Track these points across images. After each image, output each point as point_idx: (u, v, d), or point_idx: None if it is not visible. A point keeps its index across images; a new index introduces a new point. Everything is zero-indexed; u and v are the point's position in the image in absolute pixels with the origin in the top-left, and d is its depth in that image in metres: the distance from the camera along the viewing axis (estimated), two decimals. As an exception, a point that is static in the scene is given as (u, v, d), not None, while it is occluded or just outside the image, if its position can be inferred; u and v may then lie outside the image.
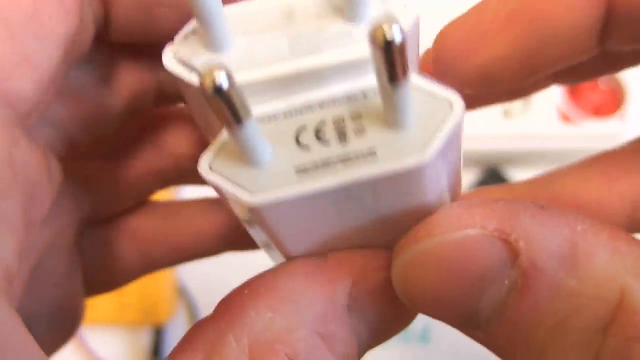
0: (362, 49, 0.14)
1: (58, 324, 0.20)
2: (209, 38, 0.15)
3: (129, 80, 0.19)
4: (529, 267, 0.13)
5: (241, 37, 0.15)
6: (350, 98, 0.14)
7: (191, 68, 0.15)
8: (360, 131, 0.14)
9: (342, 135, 0.14)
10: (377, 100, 0.14)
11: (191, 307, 0.45)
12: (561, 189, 0.21)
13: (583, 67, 0.19)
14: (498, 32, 0.17)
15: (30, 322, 0.17)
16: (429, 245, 0.14)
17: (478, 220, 0.13)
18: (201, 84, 0.12)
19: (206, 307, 0.44)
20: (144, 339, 0.45)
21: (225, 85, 0.12)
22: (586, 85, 0.46)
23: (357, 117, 0.14)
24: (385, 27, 0.11)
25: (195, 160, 0.16)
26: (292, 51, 0.15)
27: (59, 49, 0.15)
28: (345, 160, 0.13)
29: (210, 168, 0.14)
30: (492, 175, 0.47)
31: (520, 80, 0.17)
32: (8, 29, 0.14)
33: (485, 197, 0.14)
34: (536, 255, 0.13)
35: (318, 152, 0.14)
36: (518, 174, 0.47)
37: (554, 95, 0.45)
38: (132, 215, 0.22)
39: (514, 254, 0.13)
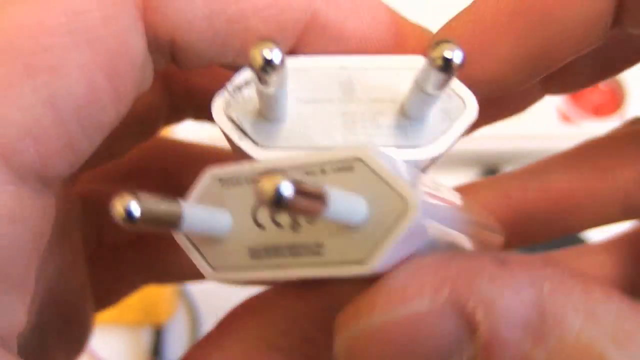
0: (409, 153, 0.14)
1: (69, 335, 0.20)
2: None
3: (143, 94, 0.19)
4: (490, 340, 0.11)
5: (296, 103, 0.15)
6: (309, 174, 0.13)
7: (241, 130, 0.14)
8: (312, 219, 0.13)
9: (294, 221, 0.13)
10: (335, 181, 0.13)
11: (191, 307, 0.45)
12: (552, 181, 0.20)
13: (576, 75, 0.19)
14: (503, 30, 0.15)
15: (43, 334, 0.17)
16: (372, 324, 0.12)
17: (427, 289, 0.11)
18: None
19: (206, 308, 0.44)
20: (144, 339, 0.45)
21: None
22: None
23: None
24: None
25: None
26: (344, 136, 0.14)
27: (104, 133, 0.14)
28: (294, 252, 0.13)
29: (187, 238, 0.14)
30: (492, 176, 0.47)
31: (529, 80, 0.16)
32: (58, 115, 0.13)
33: (438, 256, 0.12)
34: (498, 325, 0.11)
35: (271, 235, 0.13)
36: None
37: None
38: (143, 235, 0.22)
39: (471, 326, 0.11)
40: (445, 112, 0.15)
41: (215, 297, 0.17)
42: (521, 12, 0.15)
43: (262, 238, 0.13)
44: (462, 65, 0.12)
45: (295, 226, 0.13)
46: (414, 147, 0.14)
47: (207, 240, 0.13)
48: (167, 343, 0.44)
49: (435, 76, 0.13)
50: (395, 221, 0.11)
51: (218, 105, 0.14)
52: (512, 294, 0.11)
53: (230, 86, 0.14)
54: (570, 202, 0.20)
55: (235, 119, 0.14)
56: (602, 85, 0.46)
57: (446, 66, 0.12)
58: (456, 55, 0.12)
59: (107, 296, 0.22)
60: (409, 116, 0.14)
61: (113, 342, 0.45)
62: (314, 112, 0.15)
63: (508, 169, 0.47)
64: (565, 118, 0.45)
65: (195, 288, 0.45)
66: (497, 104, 0.21)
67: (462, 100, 0.15)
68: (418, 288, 0.11)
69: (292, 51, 0.15)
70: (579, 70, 0.19)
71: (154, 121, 0.20)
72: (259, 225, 0.13)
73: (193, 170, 0.21)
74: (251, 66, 0.12)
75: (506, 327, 0.11)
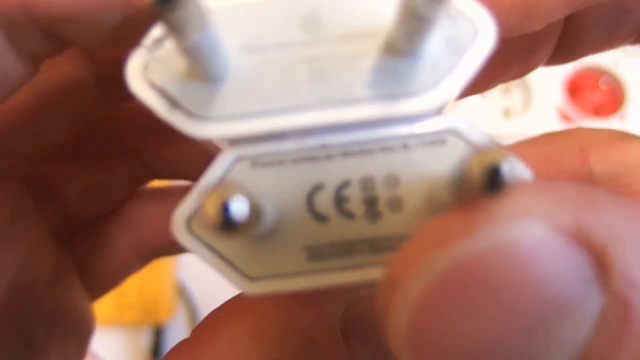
0: (412, 103, 0.11)
1: (62, 331, 0.20)
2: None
3: (63, 75, 0.17)
4: (627, 290, 0.08)
5: (242, 53, 0.11)
6: (386, 150, 0.11)
7: (169, 99, 0.11)
8: (396, 205, 0.10)
9: (371, 208, 0.10)
10: (423, 158, 0.11)
11: (191, 307, 0.45)
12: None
13: (584, 40, 0.18)
14: None
15: (27, 331, 0.17)
16: (467, 251, 0.08)
17: (543, 210, 0.08)
18: (205, 214, 0.09)
19: (206, 307, 0.44)
20: (144, 339, 0.45)
21: (235, 221, 0.09)
22: (586, 85, 0.46)
23: (393, 182, 0.10)
24: None
25: (162, 158, 0.14)
26: (312, 90, 0.11)
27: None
28: (374, 248, 0.10)
29: (190, 230, 0.11)
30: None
31: (563, 12, 0.14)
32: None
33: (540, 180, 0.09)
34: (637, 269, 0.08)
35: (338, 228, 0.10)
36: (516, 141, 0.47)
37: (554, 95, 0.45)
38: (124, 206, 0.22)
39: (603, 267, 0.08)
40: (449, 42, 0.11)
41: (216, 297, 0.16)
42: None
43: (324, 232, 0.10)
44: None
45: (373, 214, 0.10)
46: (409, 95, 0.10)
47: (240, 241, 0.10)
48: (167, 343, 0.44)
49: None
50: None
51: (133, 69, 0.11)
52: None
53: (147, 40, 0.11)
54: None
55: (158, 83, 0.10)
56: (602, 85, 0.46)
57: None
58: None
59: (104, 280, 0.22)
60: (399, 52, 0.11)
61: (113, 342, 0.45)
62: (266, 63, 0.11)
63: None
64: (565, 118, 0.45)
65: (195, 288, 0.45)
66: (501, 56, 0.18)
67: (472, 23, 0.11)
68: (530, 206, 0.08)
69: None
70: (584, 35, 0.18)
71: (82, 98, 0.18)
72: (318, 216, 0.10)
73: (154, 134, 0.20)
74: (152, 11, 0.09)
75: None
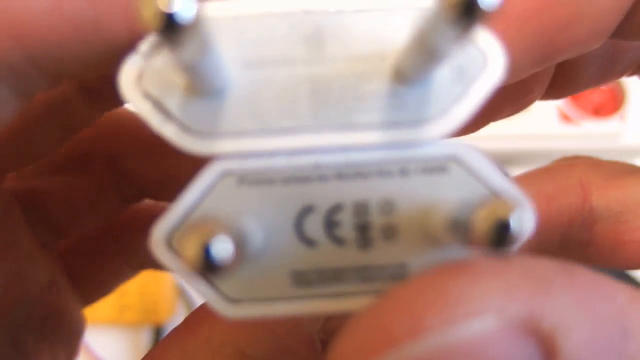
0: (417, 131, 0.10)
1: (52, 336, 0.20)
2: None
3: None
4: None
5: (242, 67, 0.10)
6: (383, 175, 0.10)
7: (164, 111, 0.10)
8: (390, 233, 0.10)
9: (363, 235, 0.10)
10: (422, 186, 0.10)
11: (191, 307, 0.45)
12: None
13: (576, 79, 0.18)
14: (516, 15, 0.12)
15: (16, 337, 0.17)
16: (418, 351, 0.08)
17: (495, 300, 0.08)
18: (185, 258, 0.08)
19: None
20: (144, 339, 0.45)
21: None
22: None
23: (388, 209, 0.10)
24: None
25: (152, 178, 0.14)
26: (314, 112, 0.10)
27: None
28: (364, 277, 0.10)
29: (170, 247, 0.10)
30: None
31: (534, 67, 0.14)
32: None
33: (491, 258, 0.09)
34: (580, 349, 0.09)
35: (327, 254, 0.10)
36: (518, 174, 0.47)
37: (554, 95, 0.45)
38: (116, 217, 0.22)
39: (548, 352, 0.09)
40: (458, 70, 0.10)
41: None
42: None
43: (311, 258, 0.10)
44: (495, 10, 0.08)
45: (365, 242, 0.10)
46: (415, 123, 0.10)
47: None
48: (167, 343, 0.44)
49: (450, 27, 0.08)
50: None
51: (127, 77, 0.10)
52: (590, 310, 0.09)
53: (143, 47, 0.10)
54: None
55: (153, 94, 0.10)
56: (602, 86, 0.46)
57: (469, 11, 0.07)
58: None
59: (96, 288, 0.22)
60: (406, 78, 0.10)
61: (113, 342, 0.45)
62: (267, 79, 0.10)
63: (508, 168, 0.47)
64: (566, 118, 0.45)
65: (195, 288, 0.45)
66: (495, 100, 0.19)
67: (482, 52, 0.10)
68: (482, 297, 0.08)
69: None
70: (579, 74, 0.19)
71: (68, 110, 0.17)
72: (306, 240, 0.10)
73: (144, 153, 0.20)
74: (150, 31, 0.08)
75: (590, 351, 0.09)
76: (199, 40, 0.08)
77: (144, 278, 0.23)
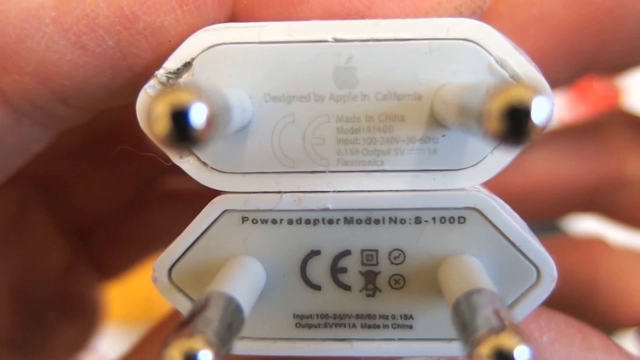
0: (446, 181, 0.09)
1: (73, 313, 0.20)
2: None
3: None
4: None
5: (266, 101, 0.10)
6: (395, 222, 0.09)
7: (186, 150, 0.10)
8: (397, 282, 0.09)
9: (370, 283, 0.09)
10: (437, 237, 0.09)
11: (195, 306, 0.45)
12: (534, 170, 0.19)
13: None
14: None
15: (39, 312, 0.18)
16: None
17: None
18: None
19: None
20: (147, 338, 0.45)
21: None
22: (586, 85, 0.46)
23: (399, 259, 0.09)
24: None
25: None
26: (338, 154, 0.09)
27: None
28: (366, 325, 0.09)
29: (170, 279, 0.11)
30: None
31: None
32: None
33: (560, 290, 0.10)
34: None
35: (332, 299, 0.10)
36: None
37: (553, 95, 0.45)
38: (139, 202, 0.22)
39: None
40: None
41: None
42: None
43: (315, 302, 0.10)
44: (541, 128, 0.07)
45: (371, 290, 0.09)
46: (448, 171, 0.10)
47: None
48: (171, 342, 0.45)
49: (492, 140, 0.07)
50: (523, 295, 0.09)
51: (145, 107, 0.09)
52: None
53: (161, 74, 0.10)
54: (547, 188, 0.19)
55: None
56: (602, 85, 0.46)
57: (514, 138, 0.07)
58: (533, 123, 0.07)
59: (116, 268, 0.23)
60: (440, 127, 0.09)
61: (118, 342, 0.45)
62: (291, 116, 0.10)
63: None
64: (566, 118, 0.45)
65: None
66: None
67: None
68: None
69: (246, 14, 0.10)
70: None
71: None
72: (311, 284, 0.10)
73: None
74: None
75: None
76: (216, 132, 0.08)
77: (146, 277, 0.24)
